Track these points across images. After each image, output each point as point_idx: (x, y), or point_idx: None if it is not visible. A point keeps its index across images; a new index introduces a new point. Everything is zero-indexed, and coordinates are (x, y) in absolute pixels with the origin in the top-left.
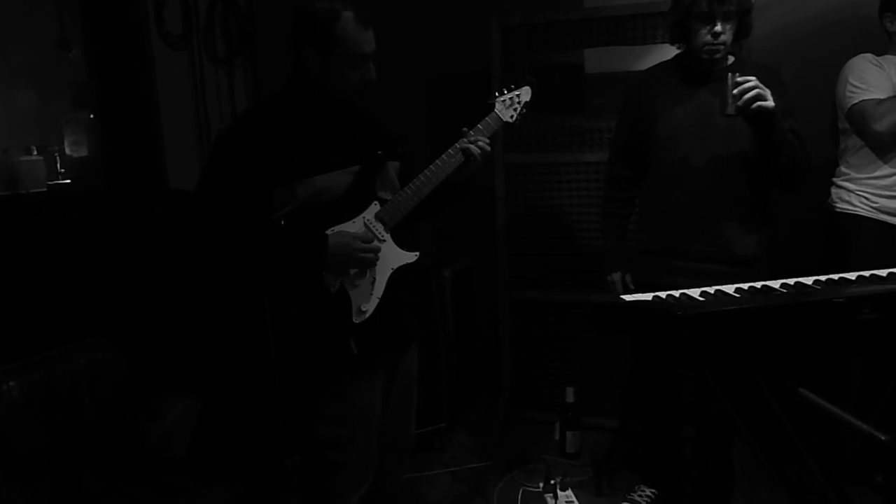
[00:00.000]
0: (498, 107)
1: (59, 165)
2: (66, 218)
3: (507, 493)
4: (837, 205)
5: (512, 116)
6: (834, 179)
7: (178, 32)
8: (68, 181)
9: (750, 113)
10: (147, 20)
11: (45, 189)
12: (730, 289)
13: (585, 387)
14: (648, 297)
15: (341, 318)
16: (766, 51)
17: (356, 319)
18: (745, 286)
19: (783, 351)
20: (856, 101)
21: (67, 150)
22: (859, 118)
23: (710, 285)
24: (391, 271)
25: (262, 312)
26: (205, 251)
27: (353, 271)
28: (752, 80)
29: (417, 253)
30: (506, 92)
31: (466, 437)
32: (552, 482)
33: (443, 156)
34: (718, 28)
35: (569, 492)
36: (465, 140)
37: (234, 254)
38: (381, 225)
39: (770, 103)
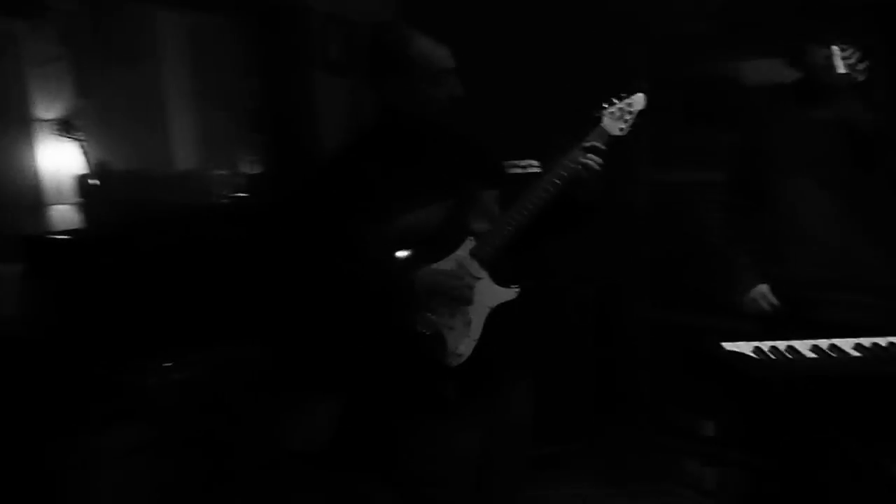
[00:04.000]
0: (605, 120)
1: (238, 180)
2: (243, 228)
3: None
4: None
5: (622, 129)
6: None
7: (339, 61)
8: (245, 194)
9: (858, 73)
10: (311, 52)
11: (228, 200)
12: (847, 344)
13: (731, 420)
14: (749, 347)
15: (436, 362)
16: None
17: (452, 363)
18: (868, 342)
19: (885, 425)
20: None
21: (245, 168)
22: None
23: (850, 317)
24: (488, 311)
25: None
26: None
27: (446, 312)
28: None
29: (517, 289)
30: (615, 102)
31: (600, 461)
32: None
33: (543, 179)
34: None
35: None
36: (568, 160)
37: (322, 299)
38: (475, 262)
39: None
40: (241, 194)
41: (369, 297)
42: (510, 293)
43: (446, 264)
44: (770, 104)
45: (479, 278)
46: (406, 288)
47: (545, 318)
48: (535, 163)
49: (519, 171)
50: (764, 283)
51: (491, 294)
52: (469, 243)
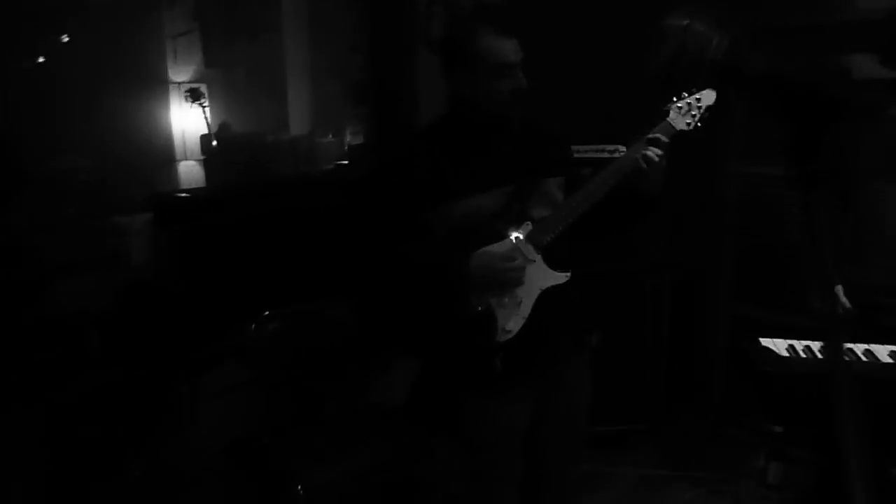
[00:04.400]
0: (672, 114)
1: (341, 149)
2: (341, 194)
3: None
4: None
5: (689, 124)
6: None
7: (440, 40)
8: (346, 162)
9: None
10: (416, 30)
11: (332, 167)
12: (883, 351)
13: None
14: (784, 344)
15: (486, 336)
16: None
17: (501, 338)
18: None
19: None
20: None
21: (348, 138)
22: None
23: None
24: (539, 292)
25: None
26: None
27: (498, 292)
28: None
29: (568, 274)
30: (685, 96)
31: (665, 443)
32: None
33: (604, 170)
34: None
35: None
36: (630, 152)
37: (390, 273)
38: (530, 246)
39: None
40: (343, 162)
41: (428, 276)
42: (561, 277)
43: (502, 247)
44: (863, 103)
45: (532, 261)
46: (460, 269)
47: (619, 301)
48: (622, 148)
49: (606, 155)
50: (839, 283)
51: (543, 276)
52: (526, 227)
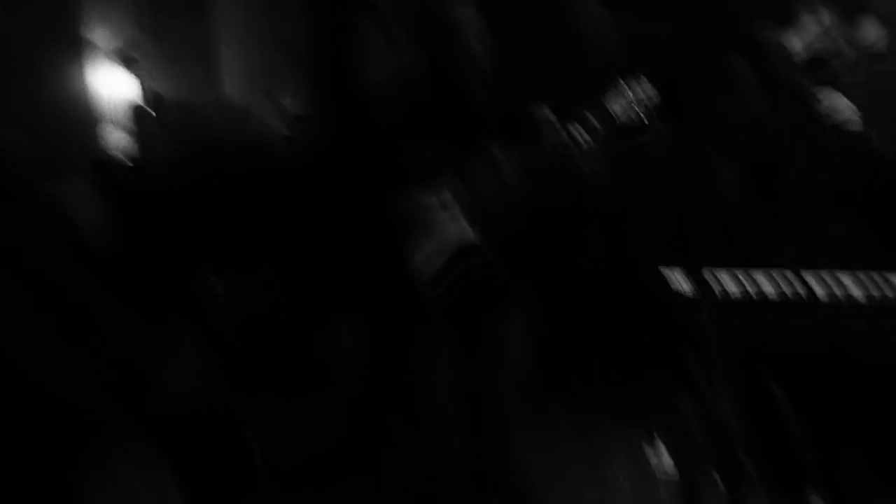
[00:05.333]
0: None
1: (279, 119)
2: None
3: None
4: None
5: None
6: None
7: (385, 14)
8: (285, 132)
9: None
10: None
11: (271, 136)
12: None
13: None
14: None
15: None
16: None
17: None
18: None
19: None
20: None
21: (287, 108)
22: None
23: None
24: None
25: None
26: None
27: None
28: None
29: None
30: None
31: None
32: None
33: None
34: None
35: None
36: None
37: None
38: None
39: None
40: (282, 132)
41: (369, 228)
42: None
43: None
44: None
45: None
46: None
47: (555, 265)
48: None
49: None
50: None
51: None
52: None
